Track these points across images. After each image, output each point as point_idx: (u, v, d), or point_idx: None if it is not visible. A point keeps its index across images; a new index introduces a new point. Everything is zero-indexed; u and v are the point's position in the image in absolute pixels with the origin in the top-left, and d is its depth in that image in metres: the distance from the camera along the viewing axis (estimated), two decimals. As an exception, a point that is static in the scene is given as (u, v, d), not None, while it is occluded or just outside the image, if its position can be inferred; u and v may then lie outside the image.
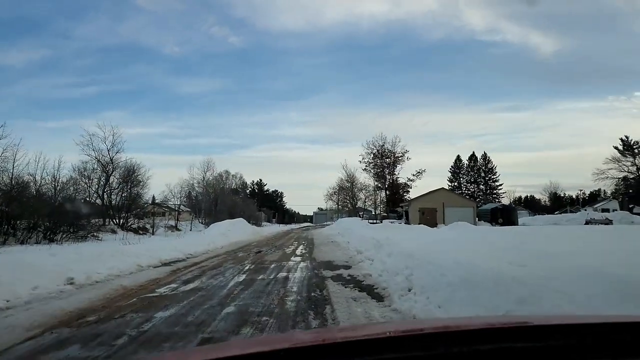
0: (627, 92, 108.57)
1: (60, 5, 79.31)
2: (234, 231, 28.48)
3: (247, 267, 11.29)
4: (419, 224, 38.68)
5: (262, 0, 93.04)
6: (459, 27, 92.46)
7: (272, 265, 11.62)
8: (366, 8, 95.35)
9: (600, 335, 1.14)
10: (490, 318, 2.69)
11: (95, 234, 32.51)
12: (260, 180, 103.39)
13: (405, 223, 42.04)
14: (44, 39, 79.43)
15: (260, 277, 9.26)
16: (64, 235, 27.90)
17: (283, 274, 9.73)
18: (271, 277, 9.35)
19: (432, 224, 38.45)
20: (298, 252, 16.41)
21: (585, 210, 71.23)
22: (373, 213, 65.17)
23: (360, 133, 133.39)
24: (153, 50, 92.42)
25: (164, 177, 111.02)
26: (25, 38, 77.22)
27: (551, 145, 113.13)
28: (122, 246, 14.68)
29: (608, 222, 39.84)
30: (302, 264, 11.92)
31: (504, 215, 43.83)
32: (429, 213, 42.76)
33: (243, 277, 9.46)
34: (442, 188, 49.37)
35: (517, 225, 41.75)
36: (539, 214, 76.48)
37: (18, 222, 24.43)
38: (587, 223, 39.16)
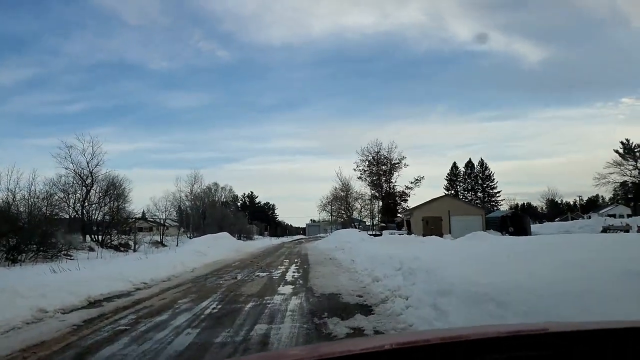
0: (614, 98, 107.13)
1: (46, 22, 76.20)
2: (215, 247, 24.42)
3: (208, 311, 7.33)
4: (423, 234, 34.89)
5: (249, 13, 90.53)
6: (446, 38, 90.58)
7: (249, 306, 7.67)
8: (354, 20, 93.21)
9: (620, 341, 1.11)
10: (502, 326, 2.35)
11: (68, 252, 28.97)
12: (252, 192, 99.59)
13: (407, 234, 38.17)
14: (30, 56, 76.83)
15: (219, 339, 5.32)
16: (32, 255, 24.69)
17: (261, 330, 5.78)
18: (239, 337, 5.42)
19: (438, 234, 34.65)
20: (289, 277, 12.46)
21: (589, 217, 68.36)
22: (369, 223, 61.28)
23: (350, 145, 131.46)
24: (139, 66, 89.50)
25: (151, 192, 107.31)
26: (10, 55, 74.48)
27: (541, 153, 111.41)
28: (41, 276, 10.65)
29: (629, 228, 36.35)
30: (293, 302, 7.98)
31: (515, 223, 40.07)
32: (434, 222, 38.91)
33: (192, 336, 5.53)
34: (447, 195, 45.70)
35: (530, 234, 38.01)
36: (538, 222, 73.23)
37: None
38: (604, 231, 35.57)
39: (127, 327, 6.14)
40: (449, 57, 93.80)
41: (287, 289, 9.74)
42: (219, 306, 7.74)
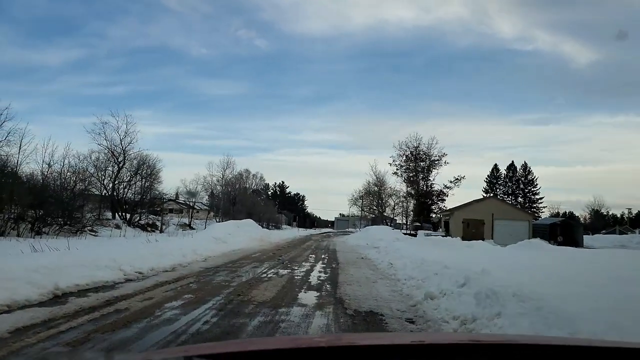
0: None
1: (93, 7, 76.93)
2: (237, 235, 22.52)
3: (197, 327, 5.17)
4: (462, 237, 32.11)
5: (289, 4, 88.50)
6: (489, 35, 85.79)
7: (255, 323, 5.49)
8: (394, 13, 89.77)
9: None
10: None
11: (93, 228, 28.04)
12: (283, 182, 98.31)
13: (444, 235, 35.33)
14: (76, 39, 78.51)
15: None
16: (57, 228, 23.93)
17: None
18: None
19: (479, 238, 31.77)
20: (313, 278, 10.24)
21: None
22: (402, 222, 58.46)
23: (383, 141, 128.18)
24: (179, 52, 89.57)
25: (183, 175, 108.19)
26: (59, 38, 76.37)
27: (585, 161, 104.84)
28: (10, 257, 8.79)
29: None
30: (317, 322, 5.75)
31: (565, 233, 36.59)
32: (475, 225, 35.94)
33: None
34: (492, 196, 42.48)
35: (582, 246, 34.54)
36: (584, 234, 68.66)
37: (2, 209, 21.01)
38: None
39: (63, 351, 4.04)
40: (490, 54, 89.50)
41: (311, 298, 7.51)
42: (214, 319, 5.58)
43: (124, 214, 35.29)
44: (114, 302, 6.38)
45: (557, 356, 1.09)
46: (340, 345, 1.12)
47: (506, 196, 78.90)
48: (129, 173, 37.11)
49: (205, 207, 58.10)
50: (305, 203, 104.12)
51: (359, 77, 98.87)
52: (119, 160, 35.98)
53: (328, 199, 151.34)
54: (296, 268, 12.22)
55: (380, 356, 1.01)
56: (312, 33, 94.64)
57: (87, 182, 31.45)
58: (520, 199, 79.44)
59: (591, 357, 1.12)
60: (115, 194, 35.85)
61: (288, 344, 1.18)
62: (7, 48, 67.58)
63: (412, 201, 56.01)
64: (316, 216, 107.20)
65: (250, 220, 29.72)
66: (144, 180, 38.05)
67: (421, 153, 53.47)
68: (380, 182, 59.37)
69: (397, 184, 57.59)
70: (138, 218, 35.45)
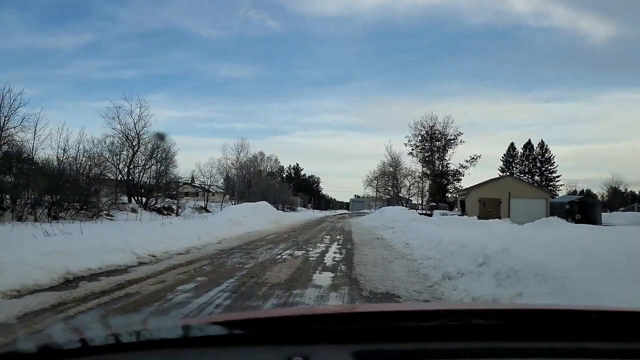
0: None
1: None
2: (252, 217, 22.49)
3: (209, 310, 5.06)
4: (478, 216, 31.70)
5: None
6: (503, 12, 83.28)
7: (268, 306, 5.37)
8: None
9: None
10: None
11: (109, 212, 28.26)
12: (297, 164, 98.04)
13: (460, 215, 34.95)
14: (88, 23, 78.93)
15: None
16: (73, 213, 24.15)
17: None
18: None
19: (495, 217, 31.35)
20: (328, 259, 10.09)
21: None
22: (417, 202, 58.14)
23: (398, 122, 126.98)
24: (190, 35, 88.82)
25: (198, 159, 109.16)
26: (70, 22, 76.76)
27: (603, 138, 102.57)
28: (23, 240, 8.78)
29: None
30: (331, 302, 5.62)
31: (583, 211, 35.89)
32: (491, 204, 35.43)
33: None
34: (509, 175, 41.76)
35: (600, 224, 33.89)
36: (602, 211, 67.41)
37: (20, 195, 20.90)
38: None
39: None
40: (504, 32, 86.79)
41: (325, 279, 7.38)
42: (227, 302, 5.46)
43: (139, 198, 35.52)
44: (125, 285, 6.31)
45: (560, 321, 1.06)
46: (356, 312, 1.16)
47: (523, 175, 77.64)
48: (143, 157, 37.27)
49: (221, 190, 58.40)
50: (320, 185, 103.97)
51: (371, 58, 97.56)
52: (134, 144, 36.12)
53: (343, 180, 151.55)
54: (311, 249, 12.10)
55: (392, 322, 1.04)
56: (323, 13, 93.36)
57: (102, 166, 31.61)
58: (537, 178, 78.22)
59: (606, 322, 1.07)
60: (130, 178, 36.07)
61: (304, 312, 1.23)
62: (19, 33, 67.90)
63: (428, 181, 55.63)
64: (331, 198, 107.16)
65: (265, 203, 29.65)
66: (158, 164, 38.16)
67: (437, 132, 52.99)
68: (395, 163, 59.00)
69: (412, 164, 57.22)
70: (154, 202, 35.63)
